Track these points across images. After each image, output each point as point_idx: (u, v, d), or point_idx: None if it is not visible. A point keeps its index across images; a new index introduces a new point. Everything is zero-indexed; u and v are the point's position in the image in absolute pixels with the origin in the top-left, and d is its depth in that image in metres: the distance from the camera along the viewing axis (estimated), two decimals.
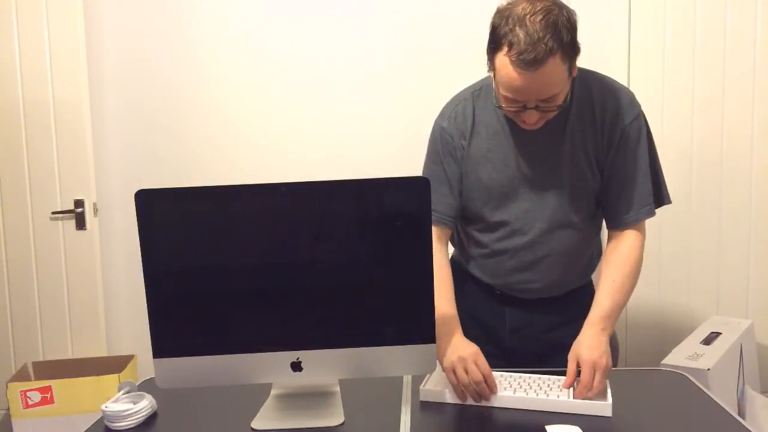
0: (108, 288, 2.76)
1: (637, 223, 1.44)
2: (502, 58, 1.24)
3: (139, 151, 2.76)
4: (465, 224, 1.56)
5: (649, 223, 2.50)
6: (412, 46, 2.66)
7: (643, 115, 1.43)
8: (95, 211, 2.63)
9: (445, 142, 1.48)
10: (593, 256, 1.59)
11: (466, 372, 1.28)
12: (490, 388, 1.27)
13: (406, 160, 2.69)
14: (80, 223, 2.61)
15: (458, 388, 1.29)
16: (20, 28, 2.54)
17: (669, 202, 1.48)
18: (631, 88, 2.55)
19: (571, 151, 1.41)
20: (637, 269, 1.43)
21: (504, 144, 1.44)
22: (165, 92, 2.72)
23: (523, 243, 1.46)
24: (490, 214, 1.48)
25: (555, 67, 1.22)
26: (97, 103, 2.69)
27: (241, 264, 1.18)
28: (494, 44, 1.27)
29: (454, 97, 1.52)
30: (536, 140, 1.42)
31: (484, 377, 1.27)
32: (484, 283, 1.57)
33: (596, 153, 1.42)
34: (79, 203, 2.61)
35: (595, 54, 2.56)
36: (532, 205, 1.44)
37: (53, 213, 2.61)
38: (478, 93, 1.48)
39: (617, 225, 1.45)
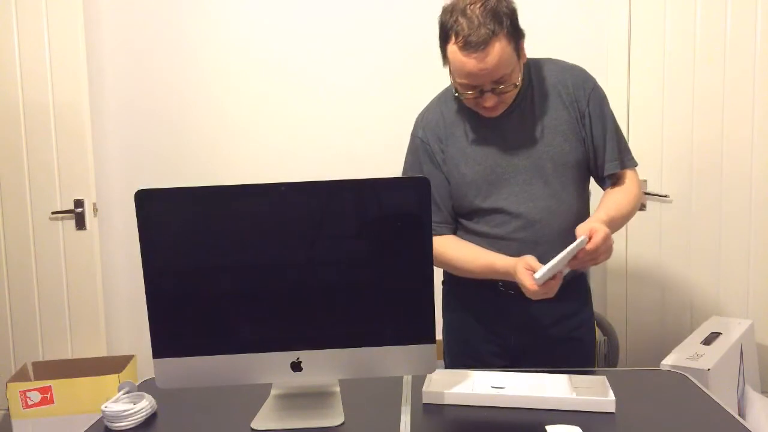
0: (108, 288, 2.76)
1: (623, 174, 1.53)
2: (452, 47, 1.37)
3: (139, 151, 2.76)
4: (463, 220, 1.57)
5: (649, 222, 2.50)
6: (411, 45, 2.66)
7: (599, 86, 1.53)
8: (95, 211, 2.63)
9: (424, 151, 1.57)
10: None
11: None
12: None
13: None
14: (80, 223, 2.61)
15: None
16: (20, 28, 2.54)
17: (636, 164, 1.57)
18: (631, 89, 2.56)
19: (542, 131, 1.49)
20: (636, 203, 1.51)
21: (479, 138, 1.51)
22: (165, 92, 2.72)
23: (520, 224, 1.50)
24: (483, 204, 1.52)
25: (500, 47, 1.33)
26: (97, 103, 2.69)
27: (241, 264, 1.18)
28: (443, 38, 1.40)
29: (423, 109, 1.62)
30: (507, 128, 1.50)
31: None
32: (487, 280, 1.58)
33: (572, 126, 1.50)
34: (78, 203, 2.61)
35: (595, 54, 2.56)
36: (520, 188, 1.50)
37: (53, 213, 2.61)
38: (443, 99, 1.58)
39: (605, 183, 1.55)
